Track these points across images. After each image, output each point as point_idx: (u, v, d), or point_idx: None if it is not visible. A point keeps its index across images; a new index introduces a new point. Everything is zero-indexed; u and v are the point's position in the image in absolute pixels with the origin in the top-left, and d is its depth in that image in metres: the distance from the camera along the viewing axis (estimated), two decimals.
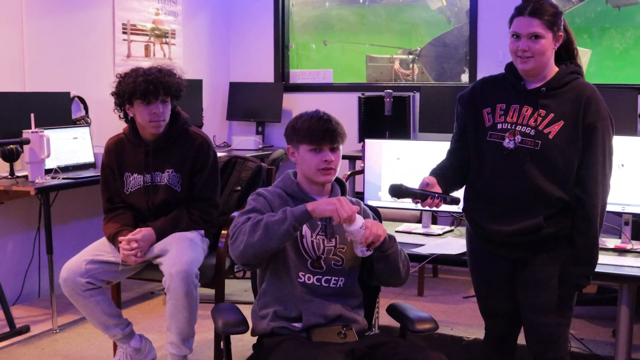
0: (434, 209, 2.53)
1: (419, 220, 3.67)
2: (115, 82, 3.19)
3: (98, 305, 3.07)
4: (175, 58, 5.63)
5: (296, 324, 2.31)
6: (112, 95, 3.19)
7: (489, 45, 5.39)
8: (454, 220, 3.40)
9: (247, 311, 2.41)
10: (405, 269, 2.39)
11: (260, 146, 5.82)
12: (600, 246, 2.45)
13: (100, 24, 5.01)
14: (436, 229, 3.35)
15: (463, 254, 2.78)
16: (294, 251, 2.33)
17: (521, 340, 2.63)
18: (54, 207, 4.17)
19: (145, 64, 3.47)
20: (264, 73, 6.20)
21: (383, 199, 3.36)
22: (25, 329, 3.93)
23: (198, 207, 3.22)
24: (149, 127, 3.15)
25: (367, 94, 5.56)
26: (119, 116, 3.26)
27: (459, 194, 2.60)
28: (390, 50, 6.06)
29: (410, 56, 6.00)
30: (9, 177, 3.96)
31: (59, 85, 4.60)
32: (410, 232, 3.29)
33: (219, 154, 3.43)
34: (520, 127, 2.43)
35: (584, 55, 5.13)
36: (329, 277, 2.35)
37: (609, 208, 2.47)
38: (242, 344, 3.15)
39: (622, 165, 2.91)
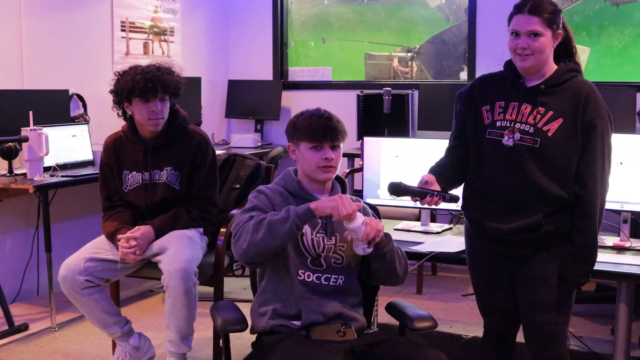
0: (433, 206, 2.53)
1: (417, 218, 3.67)
2: (113, 80, 3.19)
3: (97, 303, 3.07)
4: (174, 56, 5.63)
5: (295, 322, 2.31)
6: (111, 93, 3.19)
7: (488, 43, 5.39)
8: (452, 218, 3.40)
9: (246, 309, 2.41)
10: (402, 267, 2.39)
11: (259, 144, 5.82)
12: (599, 244, 2.45)
13: (99, 21, 5.00)
14: (435, 226, 3.35)
15: (462, 252, 2.78)
16: (294, 249, 2.33)
17: (520, 338, 2.63)
18: (52, 204, 4.17)
19: (144, 61, 3.47)
20: (263, 71, 6.19)
21: (382, 197, 3.36)
22: (24, 327, 3.93)
23: (197, 205, 3.21)
24: (147, 125, 3.14)
25: (366, 91, 5.56)
26: (118, 114, 3.25)
27: (458, 191, 2.60)
28: (389, 48, 6.06)
29: (409, 54, 6.00)
30: (8, 174, 3.96)
31: (58, 83, 4.59)
32: (409, 230, 3.29)
33: (218, 152, 3.43)
34: (520, 124, 2.43)
35: (583, 53, 5.13)
36: (329, 275, 2.35)
37: (607, 206, 2.47)
38: (241, 341, 3.16)
39: (621, 163, 2.91)
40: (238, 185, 3.55)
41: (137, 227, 3.11)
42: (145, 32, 5.39)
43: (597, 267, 2.47)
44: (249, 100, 6.05)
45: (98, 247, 3.14)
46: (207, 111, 5.92)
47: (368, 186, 3.40)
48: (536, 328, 2.49)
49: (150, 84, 3.08)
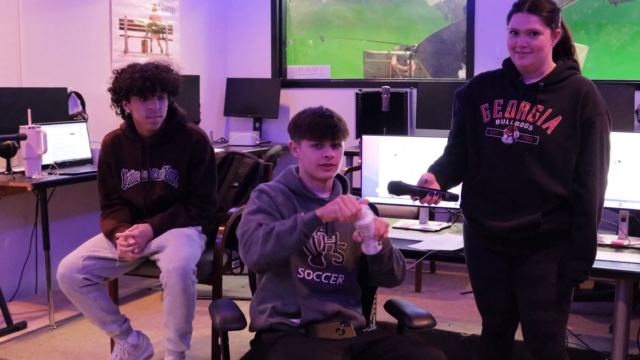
0: (433, 205, 2.53)
1: (416, 217, 3.67)
2: (112, 78, 3.19)
3: (95, 302, 3.06)
4: (173, 54, 5.62)
5: (295, 320, 2.31)
6: (109, 91, 3.19)
7: (486, 42, 5.39)
8: (451, 216, 3.40)
9: (244, 307, 2.41)
10: (400, 269, 2.38)
11: (258, 142, 5.81)
12: (597, 242, 2.45)
13: (97, 19, 5.00)
14: (433, 225, 3.35)
15: (460, 250, 2.78)
16: None
17: (518, 336, 2.63)
18: (50, 203, 4.17)
19: (143, 59, 3.47)
20: (262, 69, 6.19)
21: (380, 195, 3.36)
22: (23, 325, 3.93)
23: (195, 203, 3.21)
24: (145, 123, 3.14)
25: (365, 90, 5.56)
26: (116, 112, 3.25)
27: (457, 190, 2.60)
28: (388, 46, 6.06)
29: (408, 52, 6.00)
30: (6, 172, 3.95)
31: (56, 81, 4.58)
32: (407, 229, 3.29)
33: (216, 150, 3.43)
34: (519, 122, 2.43)
35: (581, 52, 5.13)
36: (329, 274, 2.34)
37: (606, 204, 2.47)
38: (240, 340, 3.16)
39: (619, 161, 2.91)
40: (236, 184, 3.55)
41: (135, 225, 3.10)
42: (143, 30, 5.39)
43: (595, 265, 2.47)
44: (247, 99, 6.05)
45: (96, 245, 3.13)
46: (206, 109, 5.92)
47: (366, 184, 3.40)
48: (535, 326, 2.50)
49: (149, 82, 3.07)
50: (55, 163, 4.12)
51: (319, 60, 6.24)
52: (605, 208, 2.48)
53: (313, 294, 2.32)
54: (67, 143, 4.37)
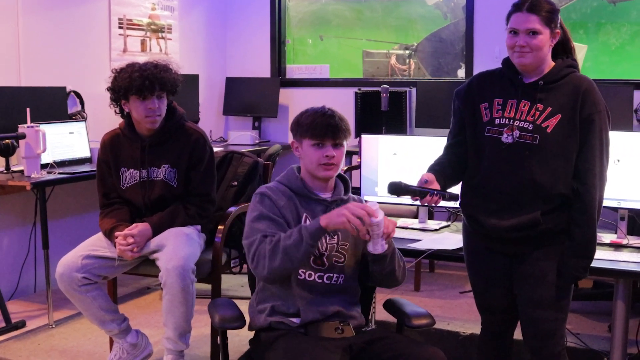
0: (433, 205, 2.52)
1: (415, 216, 3.67)
2: (111, 77, 3.19)
3: (94, 301, 3.06)
4: (172, 53, 5.62)
5: (294, 319, 2.31)
6: (108, 90, 3.19)
7: (485, 41, 5.39)
8: (450, 215, 3.40)
9: (243, 306, 2.41)
10: (401, 270, 2.38)
11: (257, 141, 5.81)
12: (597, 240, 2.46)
13: (96, 18, 4.99)
14: (433, 224, 3.35)
15: (460, 249, 2.78)
16: None
17: (518, 335, 2.63)
18: (49, 202, 4.16)
19: (142, 58, 3.46)
20: (261, 68, 6.19)
21: (380, 195, 3.36)
22: (21, 324, 3.93)
23: (194, 202, 3.21)
24: (144, 122, 3.14)
25: (364, 89, 5.55)
26: (115, 111, 3.25)
27: (457, 189, 2.60)
28: (387, 45, 6.06)
29: (407, 51, 6.00)
30: (5, 171, 3.95)
31: (55, 80, 4.58)
32: (406, 228, 3.29)
33: (215, 149, 3.43)
34: (519, 122, 2.42)
35: (580, 51, 5.14)
36: (331, 274, 2.34)
37: (605, 203, 2.47)
38: (239, 339, 3.15)
39: (618, 160, 2.91)
40: (236, 183, 3.55)
41: (134, 225, 3.10)
42: (142, 30, 5.38)
43: (594, 264, 2.47)
44: (246, 98, 6.05)
45: (95, 244, 3.13)
46: (205, 108, 5.92)
47: (366, 184, 3.40)
48: (534, 325, 2.50)
49: (148, 81, 3.07)
50: (54, 162, 4.12)
51: (318, 59, 6.24)
52: (604, 207, 2.49)
53: (313, 294, 2.31)
54: (66, 142, 4.36)
